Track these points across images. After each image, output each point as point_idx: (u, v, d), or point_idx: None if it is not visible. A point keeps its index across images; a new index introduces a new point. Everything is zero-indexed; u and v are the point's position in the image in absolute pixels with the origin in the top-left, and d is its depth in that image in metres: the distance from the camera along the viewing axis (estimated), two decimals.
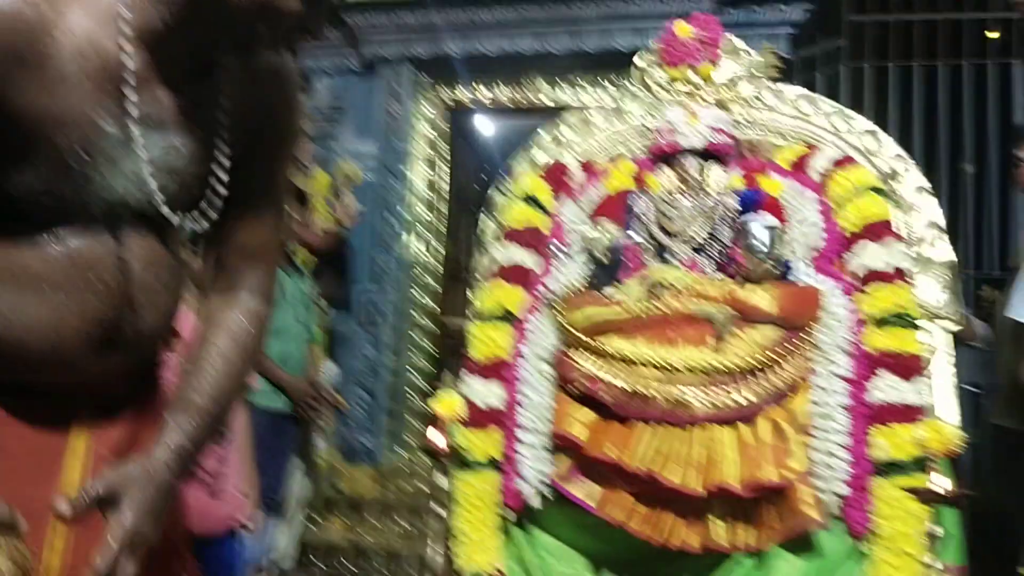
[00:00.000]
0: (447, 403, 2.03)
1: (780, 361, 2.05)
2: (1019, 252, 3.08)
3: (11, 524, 1.05)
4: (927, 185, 2.45)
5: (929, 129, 4.33)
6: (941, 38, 4.37)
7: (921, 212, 2.40)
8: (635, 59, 2.61)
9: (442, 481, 2.08)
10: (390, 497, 4.12)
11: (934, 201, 2.43)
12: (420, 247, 4.99)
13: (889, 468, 2.01)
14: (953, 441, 1.75)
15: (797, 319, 2.11)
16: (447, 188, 5.07)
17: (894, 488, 1.98)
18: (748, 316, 2.09)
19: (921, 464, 1.95)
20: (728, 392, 2.00)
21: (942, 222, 2.42)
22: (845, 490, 2.00)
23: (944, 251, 2.37)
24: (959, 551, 2.07)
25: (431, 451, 2.08)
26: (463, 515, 2.21)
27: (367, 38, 4.73)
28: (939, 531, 1.75)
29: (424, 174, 4.94)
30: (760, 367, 2.04)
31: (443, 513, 2.10)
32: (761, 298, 2.09)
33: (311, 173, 4.03)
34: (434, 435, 1.98)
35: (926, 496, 1.77)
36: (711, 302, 2.09)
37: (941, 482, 1.73)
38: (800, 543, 2.02)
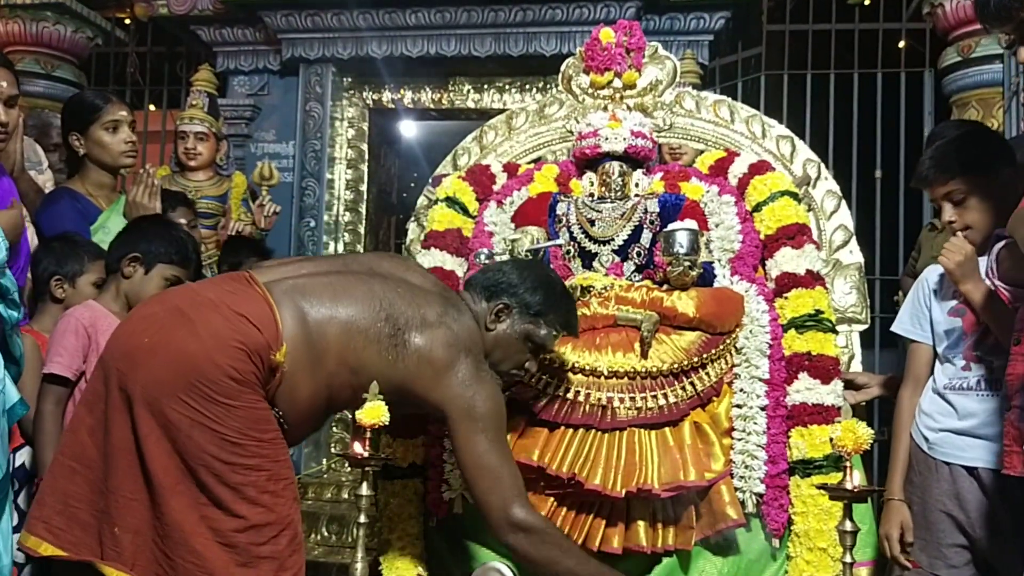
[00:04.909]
0: (372, 412, 1.99)
1: (704, 365, 2.08)
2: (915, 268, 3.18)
3: None
4: (838, 189, 2.52)
5: (843, 136, 4.45)
6: (856, 47, 4.51)
7: (832, 216, 2.47)
8: (563, 65, 2.62)
9: (365, 490, 2.04)
10: (312, 507, 4.04)
11: (844, 205, 2.50)
12: (339, 250, 4.91)
13: (805, 467, 2.06)
14: (866, 440, 1.79)
15: (720, 324, 2.14)
16: (367, 190, 5.01)
17: (809, 486, 2.03)
18: (673, 321, 2.12)
19: (835, 462, 2.00)
20: (653, 396, 2.02)
21: (852, 226, 2.49)
22: (763, 489, 2.04)
23: (853, 254, 2.44)
24: (874, 546, 2.13)
25: (354, 460, 2.03)
26: (387, 523, 2.18)
27: (287, 38, 4.64)
28: (850, 527, 1.79)
29: (344, 176, 4.87)
30: (684, 371, 2.06)
31: (367, 522, 2.06)
32: (686, 304, 2.11)
33: (228, 174, 3.93)
34: (357, 444, 1.94)
35: (836, 493, 1.81)
36: (637, 308, 2.10)
37: (852, 479, 1.77)
38: (721, 542, 2.05)
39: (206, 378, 1.64)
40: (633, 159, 2.43)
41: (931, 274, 2.21)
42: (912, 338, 2.20)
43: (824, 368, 2.12)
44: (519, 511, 1.81)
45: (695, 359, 2.07)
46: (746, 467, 2.04)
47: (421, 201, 2.67)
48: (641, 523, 2.00)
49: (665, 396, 2.03)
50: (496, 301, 1.95)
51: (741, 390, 2.11)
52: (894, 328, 2.25)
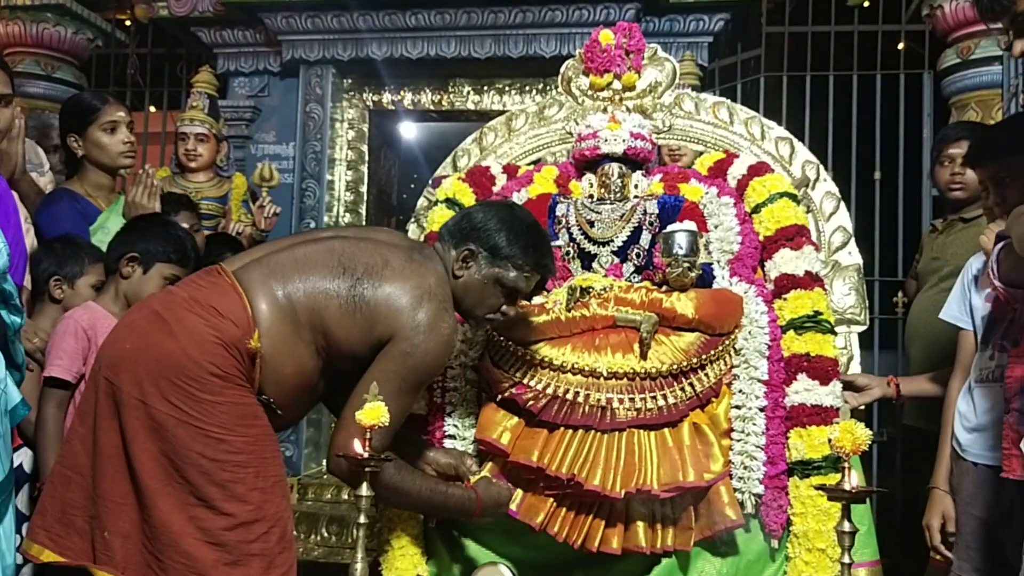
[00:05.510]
0: (372, 412, 2.00)
1: (703, 366, 2.09)
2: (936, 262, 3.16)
3: None
4: (837, 191, 2.52)
5: (842, 137, 4.45)
6: (855, 49, 4.51)
7: (831, 217, 2.47)
8: (563, 67, 2.62)
9: (365, 490, 2.04)
10: (312, 507, 4.04)
11: (843, 206, 2.50)
12: None
13: (804, 467, 2.06)
14: (864, 441, 1.79)
15: (719, 325, 2.14)
16: (367, 191, 5.02)
17: (808, 487, 2.03)
18: (672, 322, 2.12)
19: (834, 463, 2.01)
20: (652, 397, 2.03)
21: (851, 227, 2.50)
22: (762, 490, 2.04)
23: (852, 256, 2.45)
24: (873, 547, 2.13)
25: (354, 460, 2.03)
26: (387, 523, 2.18)
27: (287, 40, 4.65)
28: (848, 527, 1.79)
29: (344, 177, 4.88)
30: (683, 372, 2.06)
31: (366, 522, 2.06)
32: (685, 305, 2.11)
33: (229, 175, 3.93)
34: (357, 444, 1.94)
35: (835, 494, 1.81)
36: (636, 309, 2.11)
37: (850, 480, 1.77)
38: (720, 543, 2.05)
39: (188, 375, 1.68)
40: (632, 161, 2.43)
41: (975, 261, 2.21)
42: (960, 326, 2.22)
43: (823, 369, 2.12)
44: None
45: (694, 360, 2.07)
46: (745, 468, 2.05)
47: (421, 202, 2.68)
48: (640, 524, 2.01)
49: (664, 397, 2.04)
50: (462, 247, 1.93)
51: (740, 391, 2.11)
52: (942, 316, 2.27)
